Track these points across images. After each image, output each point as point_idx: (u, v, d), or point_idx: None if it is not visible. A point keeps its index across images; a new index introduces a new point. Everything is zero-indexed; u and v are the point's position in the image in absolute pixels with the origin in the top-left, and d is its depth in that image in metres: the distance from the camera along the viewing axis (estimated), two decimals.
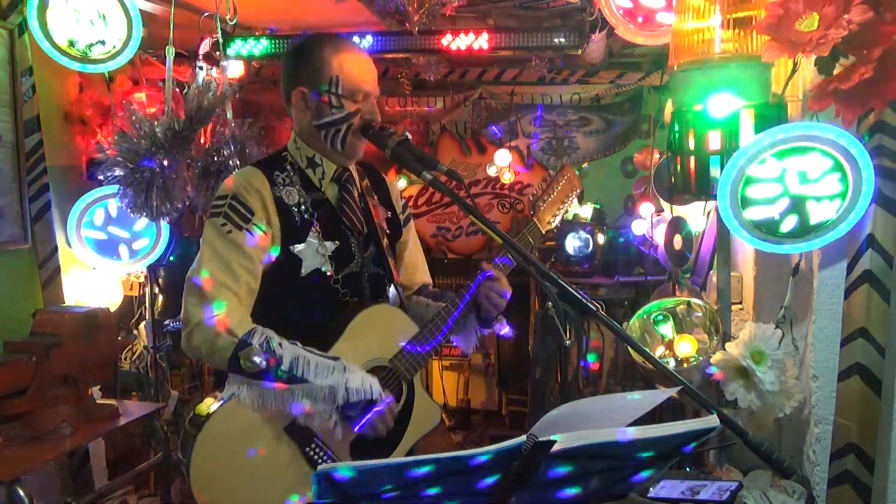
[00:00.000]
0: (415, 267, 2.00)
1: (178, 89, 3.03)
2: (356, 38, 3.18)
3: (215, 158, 2.91)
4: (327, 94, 1.69)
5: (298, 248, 1.70)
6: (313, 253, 1.71)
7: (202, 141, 2.94)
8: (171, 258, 3.35)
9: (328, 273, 1.72)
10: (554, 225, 1.98)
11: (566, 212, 2.00)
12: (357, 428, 1.61)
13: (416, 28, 3.13)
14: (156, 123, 2.74)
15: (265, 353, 1.53)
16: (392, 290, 1.85)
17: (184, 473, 1.58)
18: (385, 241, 1.85)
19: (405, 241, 1.97)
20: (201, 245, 1.66)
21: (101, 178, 2.87)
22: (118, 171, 2.76)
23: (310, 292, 1.71)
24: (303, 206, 1.72)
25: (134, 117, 2.74)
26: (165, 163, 2.75)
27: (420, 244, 2.05)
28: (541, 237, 1.96)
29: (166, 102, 2.95)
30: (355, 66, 1.71)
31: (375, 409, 1.59)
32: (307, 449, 1.61)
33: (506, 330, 1.86)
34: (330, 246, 1.73)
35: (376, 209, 1.86)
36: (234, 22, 3.27)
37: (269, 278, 1.69)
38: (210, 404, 1.62)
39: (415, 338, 1.74)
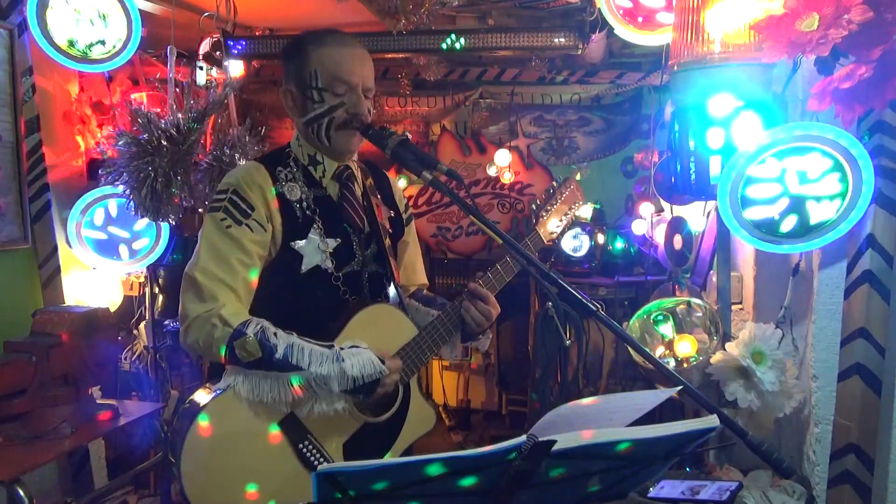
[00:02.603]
0: (413, 268, 2.00)
1: (178, 89, 3.03)
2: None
3: (217, 158, 2.91)
4: (308, 88, 1.69)
5: (299, 244, 1.69)
6: (314, 250, 1.70)
7: (204, 141, 2.94)
8: (177, 257, 3.34)
9: (328, 270, 1.72)
10: (556, 235, 1.98)
11: (569, 223, 1.99)
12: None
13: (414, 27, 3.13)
14: (159, 123, 2.75)
15: (260, 342, 1.53)
16: (392, 289, 1.85)
17: (174, 469, 1.56)
18: (387, 241, 1.84)
19: (406, 242, 1.97)
20: (200, 239, 1.64)
21: (102, 178, 2.86)
22: (119, 172, 2.76)
23: (309, 289, 1.71)
24: (305, 203, 1.72)
25: (137, 117, 2.74)
26: (166, 163, 2.75)
27: (419, 246, 2.06)
28: (542, 247, 1.96)
29: (168, 102, 2.95)
30: (335, 57, 1.68)
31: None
32: (300, 446, 1.61)
33: (485, 346, 1.89)
34: (331, 243, 1.72)
35: (379, 208, 1.85)
36: (234, 22, 3.27)
37: (269, 274, 1.68)
38: (202, 396, 1.61)
39: (409, 345, 1.74)
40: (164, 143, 2.72)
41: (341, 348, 1.58)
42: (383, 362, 1.59)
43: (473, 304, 1.74)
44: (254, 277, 1.65)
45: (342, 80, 1.68)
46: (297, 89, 1.72)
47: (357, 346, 1.59)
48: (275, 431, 1.59)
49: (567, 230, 2.04)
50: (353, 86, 1.69)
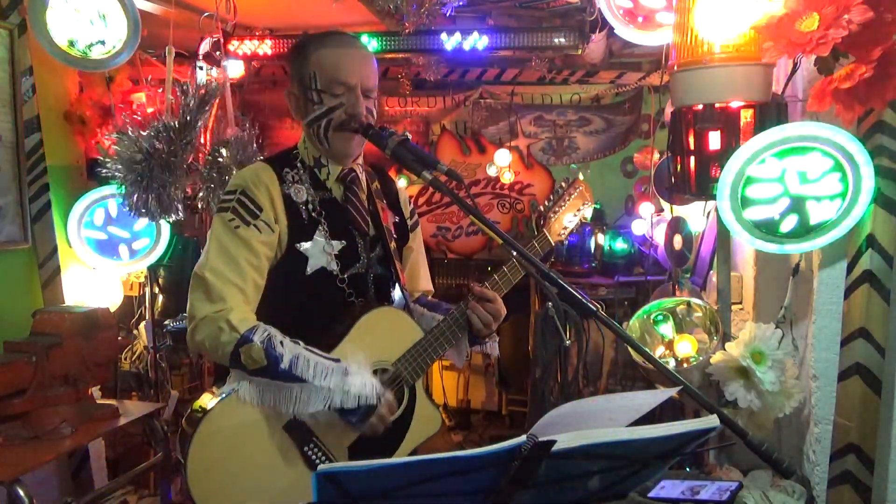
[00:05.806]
0: (417, 274, 2.00)
1: (177, 90, 3.03)
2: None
3: (215, 159, 2.91)
4: (308, 90, 1.70)
5: (304, 246, 1.69)
6: (319, 251, 1.70)
7: (203, 141, 2.94)
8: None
9: (334, 272, 1.72)
10: (564, 237, 1.97)
11: (578, 224, 1.98)
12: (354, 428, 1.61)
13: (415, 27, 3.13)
14: (155, 123, 2.75)
15: (266, 350, 1.53)
16: (397, 292, 1.85)
17: (182, 471, 1.57)
18: (392, 244, 1.84)
19: (411, 248, 1.97)
20: (209, 239, 1.65)
21: (101, 176, 2.87)
22: (117, 172, 2.76)
23: (314, 291, 1.70)
24: (311, 205, 1.71)
25: (134, 117, 2.75)
26: (162, 162, 2.75)
27: (424, 251, 2.05)
28: (550, 249, 1.95)
29: (166, 102, 2.95)
30: (333, 58, 1.69)
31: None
32: (305, 448, 1.61)
33: (495, 351, 1.86)
34: (336, 245, 1.72)
35: (385, 211, 1.85)
36: (234, 22, 3.27)
37: (275, 276, 1.68)
38: (208, 400, 1.61)
39: (414, 349, 1.73)
40: (158, 145, 2.72)
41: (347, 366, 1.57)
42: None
43: (480, 305, 1.74)
44: (262, 278, 1.66)
45: (339, 81, 1.67)
46: (298, 91, 1.73)
47: (363, 369, 1.59)
48: (280, 434, 1.60)
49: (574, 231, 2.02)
50: (352, 86, 1.68)
